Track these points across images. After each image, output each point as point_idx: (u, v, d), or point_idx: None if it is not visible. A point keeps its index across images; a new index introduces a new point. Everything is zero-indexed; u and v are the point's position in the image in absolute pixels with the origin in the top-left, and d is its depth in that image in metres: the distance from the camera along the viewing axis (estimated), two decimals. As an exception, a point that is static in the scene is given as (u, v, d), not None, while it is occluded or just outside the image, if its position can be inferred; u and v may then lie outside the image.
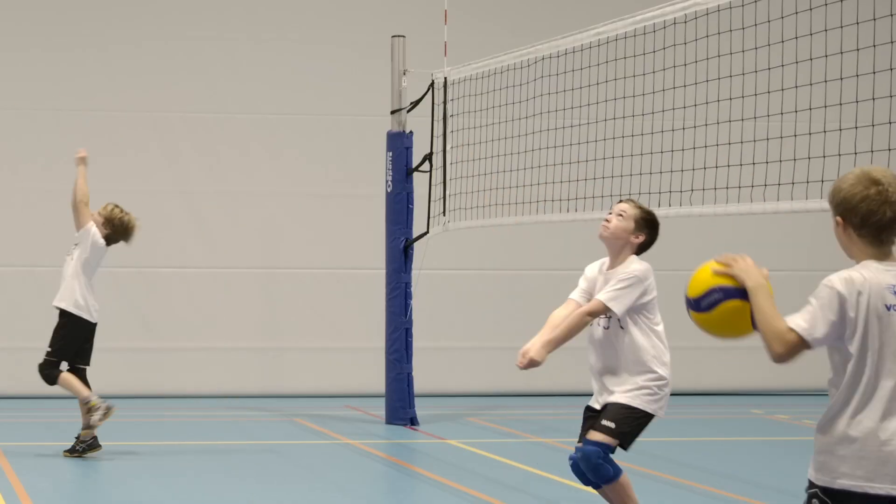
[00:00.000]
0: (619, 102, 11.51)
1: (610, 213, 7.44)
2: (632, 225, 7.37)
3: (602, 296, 7.23)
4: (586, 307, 7.29)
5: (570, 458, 7.30)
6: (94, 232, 10.99)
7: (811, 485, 4.49)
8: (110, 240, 11.11)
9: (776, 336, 4.62)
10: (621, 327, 7.32)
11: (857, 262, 4.61)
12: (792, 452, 11.98)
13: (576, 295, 7.43)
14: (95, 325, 11.03)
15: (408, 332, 13.31)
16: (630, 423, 7.22)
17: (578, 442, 7.32)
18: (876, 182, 4.54)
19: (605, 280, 7.31)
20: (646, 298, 7.37)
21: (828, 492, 4.44)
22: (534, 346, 7.36)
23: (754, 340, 16.30)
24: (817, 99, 9.47)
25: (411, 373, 13.33)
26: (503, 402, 15.38)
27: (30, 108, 15.49)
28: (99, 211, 11.12)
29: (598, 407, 7.35)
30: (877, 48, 8.93)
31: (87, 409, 10.75)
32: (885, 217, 4.56)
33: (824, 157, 9.18)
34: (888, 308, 4.51)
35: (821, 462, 4.46)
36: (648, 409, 7.25)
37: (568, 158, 12.18)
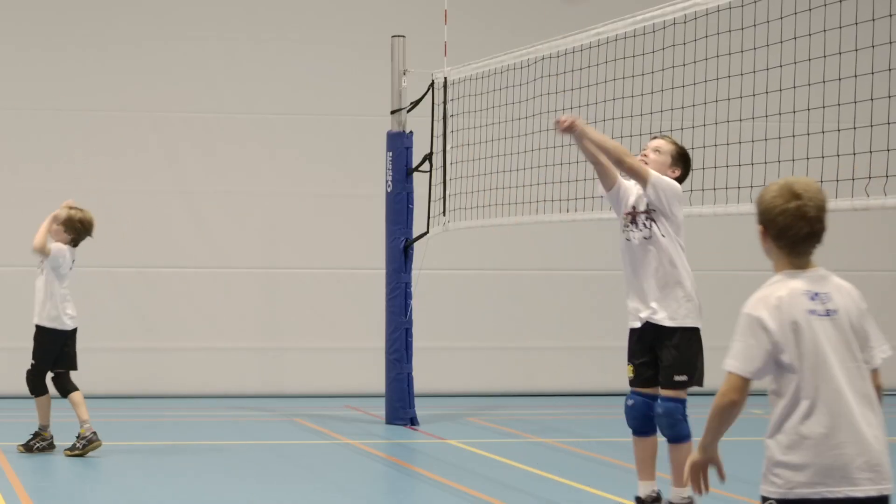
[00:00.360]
0: (619, 102, 11.51)
1: (645, 151, 7.68)
2: (669, 159, 7.67)
3: (650, 173, 7.47)
4: (632, 158, 7.50)
5: (631, 399, 7.54)
6: (57, 248, 11.06)
7: (764, 499, 4.47)
8: (76, 241, 11.19)
9: (728, 387, 4.53)
10: (662, 236, 7.54)
11: (776, 270, 4.66)
12: (792, 452, 11.97)
13: None
14: (74, 330, 11.15)
15: (408, 332, 13.31)
16: (695, 359, 7.62)
17: (631, 370, 7.65)
18: (796, 196, 4.67)
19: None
20: (680, 214, 7.64)
21: (785, 503, 4.44)
22: (580, 121, 7.55)
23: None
24: (817, 99, 9.47)
25: (411, 373, 13.33)
26: (503, 402, 15.38)
27: (30, 108, 15.49)
28: (56, 222, 11.14)
29: (639, 325, 7.63)
30: (876, 48, 8.93)
31: (39, 434, 10.99)
32: (801, 232, 4.71)
33: (823, 157, 9.18)
34: (810, 313, 4.59)
35: (775, 474, 4.45)
36: (698, 323, 7.64)
37: (568, 158, 12.17)
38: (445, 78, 13.31)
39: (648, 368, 7.74)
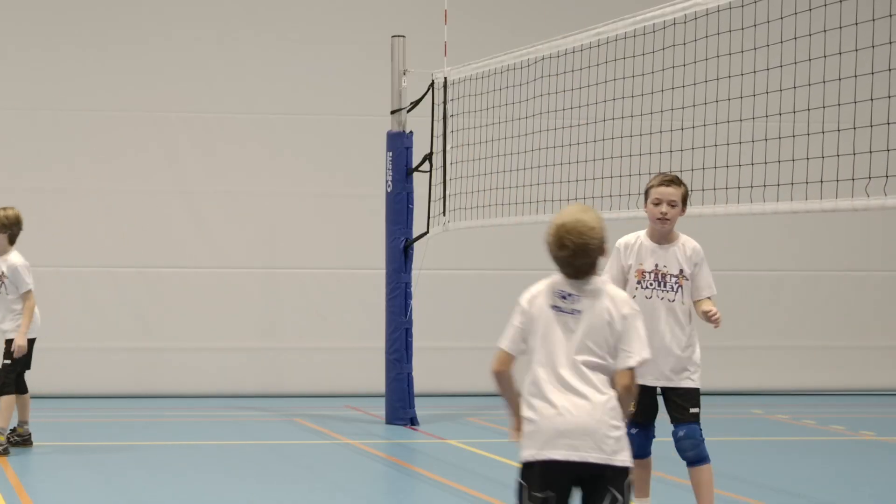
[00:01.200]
0: (619, 102, 11.51)
1: (659, 202, 7.70)
2: (681, 206, 7.80)
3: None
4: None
5: (637, 434, 7.84)
6: (6, 260, 11.04)
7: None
8: (13, 238, 11.19)
9: (494, 359, 5.56)
10: (683, 302, 7.79)
11: None
12: (792, 452, 11.99)
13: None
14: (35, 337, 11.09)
15: (408, 332, 13.31)
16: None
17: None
18: (560, 225, 5.39)
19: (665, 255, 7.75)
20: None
21: (524, 465, 5.47)
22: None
23: (754, 340, 16.16)
24: (817, 99, 9.46)
25: (411, 373, 13.33)
26: (503, 402, 15.36)
27: (30, 109, 15.49)
28: None
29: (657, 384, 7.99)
30: (876, 49, 8.92)
31: None
32: (557, 254, 5.42)
33: (823, 157, 9.18)
34: (552, 308, 5.44)
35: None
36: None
37: (568, 158, 12.17)
38: (445, 78, 13.31)
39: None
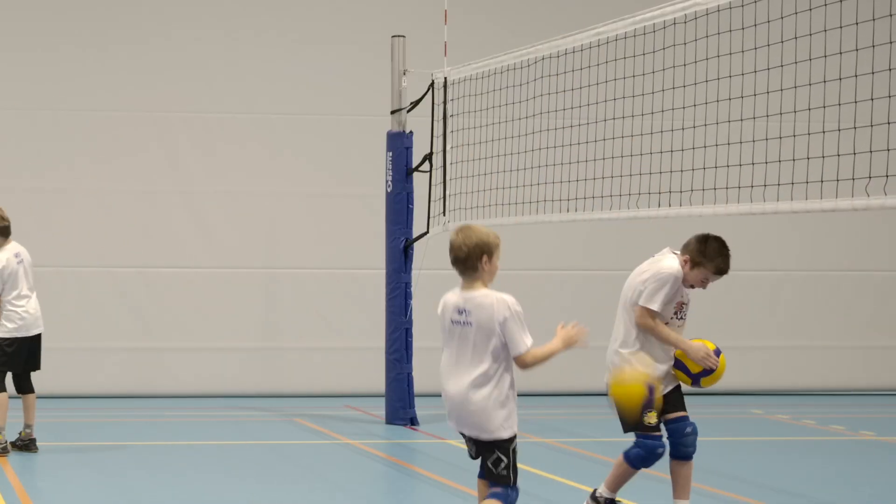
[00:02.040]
0: (619, 102, 11.51)
1: (706, 280, 8.10)
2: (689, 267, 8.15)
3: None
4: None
5: (661, 448, 8.12)
6: None
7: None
8: (4, 231, 11.15)
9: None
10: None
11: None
12: (792, 452, 11.99)
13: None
14: (38, 334, 10.99)
15: (408, 332, 13.31)
16: None
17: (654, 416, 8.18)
18: (455, 231, 6.80)
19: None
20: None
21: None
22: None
23: (755, 341, 16.21)
24: (817, 99, 9.46)
25: (411, 373, 13.33)
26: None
27: (30, 109, 15.49)
28: None
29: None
30: (876, 48, 8.92)
31: None
32: (452, 257, 6.86)
33: (824, 157, 9.18)
34: (453, 323, 6.78)
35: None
36: None
37: (568, 158, 12.17)
38: (445, 78, 13.31)
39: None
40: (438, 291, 17.61)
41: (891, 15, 8.79)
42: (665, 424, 8.20)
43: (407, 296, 13.29)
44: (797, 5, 9.89)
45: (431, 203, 13.44)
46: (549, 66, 12.17)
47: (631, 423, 8.10)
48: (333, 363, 15.98)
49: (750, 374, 16.64)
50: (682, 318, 8.17)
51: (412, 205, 13.37)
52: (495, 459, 6.68)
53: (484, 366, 6.64)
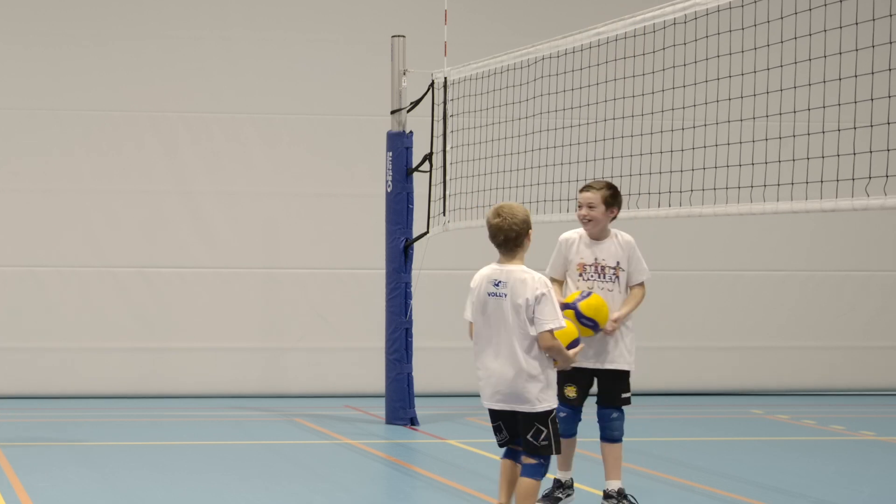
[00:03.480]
0: (619, 102, 11.51)
1: (580, 206, 8.74)
2: (603, 208, 8.65)
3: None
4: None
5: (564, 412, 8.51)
6: None
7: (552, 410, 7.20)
8: None
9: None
10: (620, 291, 8.68)
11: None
12: (792, 452, 11.99)
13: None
14: None
15: (408, 332, 13.31)
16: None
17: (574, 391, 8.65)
18: (496, 212, 7.31)
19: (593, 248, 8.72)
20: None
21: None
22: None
23: (755, 341, 16.21)
24: (817, 99, 9.46)
25: (411, 373, 13.32)
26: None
27: (28, 108, 15.48)
28: None
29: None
30: (876, 48, 8.92)
31: None
32: (500, 238, 7.31)
33: (824, 157, 9.18)
34: (489, 294, 7.32)
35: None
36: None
37: (568, 158, 12.17)
38: (445, 78, 13.31)
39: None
40: (438, 291, 17.67)
41: (891, 15, 8.79)
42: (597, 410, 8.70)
43: (407, 296, 13.29)
44: (797, 5, 9.89)
45: (431, 203, 13.43)
46: (549, 66, 12.17)
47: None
48: (333, 363, 15.97)
49: (750, 374, 16.64)
50: (587, 279, 8.66)
51: (412, 205, 13.36)
52: (535, 431, 7.10)
53: (519, 338, 7.13)
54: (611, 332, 8.52)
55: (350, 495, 9.43)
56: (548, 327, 7.11)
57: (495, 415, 7.47)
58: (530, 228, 7.27)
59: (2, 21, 15.49)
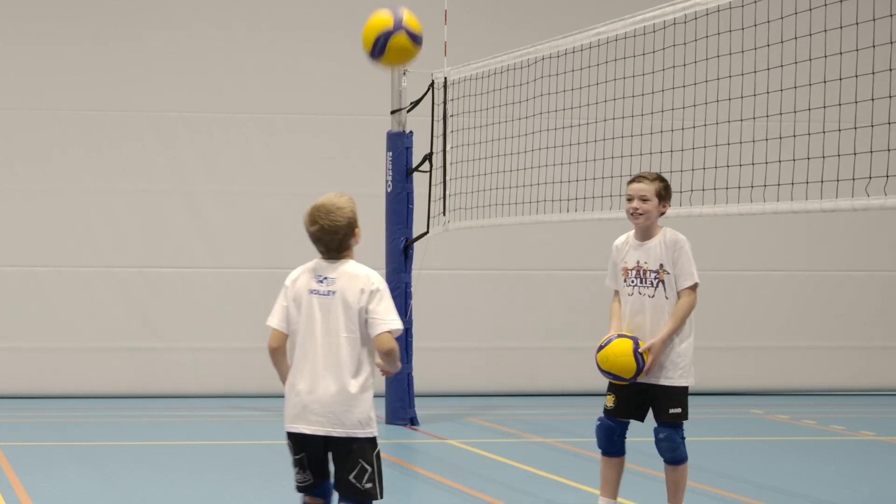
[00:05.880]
0: (619, 102, 11.51)
1: (631, 198, 7.94)
2: (657, 201, 7.92)
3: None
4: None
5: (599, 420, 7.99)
6: None
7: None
8: None
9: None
10: (667, 297, 8.01)
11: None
12: (792, 452, 11.99)
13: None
14: None
15: (408, 332, 13.30)
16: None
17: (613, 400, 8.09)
18: (309, 220, 6.47)
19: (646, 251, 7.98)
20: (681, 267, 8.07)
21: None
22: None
23: (755, 341, 16.21)
24: (817, 99, 9.47)
25: (411, 373, 13.33)
26: (503, 402, 15.38)
27: (28, 108, 15.48)
28: None
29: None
30: (876, 49, 8.93)
31: None
32: (314, 244, 6.40)
33: (824, 157, 9.18)
34: (311, 293, 6.26)
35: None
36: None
37: (568, 158, 12.18)
38: (445, 78, 13.31)
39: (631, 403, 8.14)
40: (438, 291, 17.69)
41: (891, 15, 8.79)
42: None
43: (407, 296, 13.29)
44: (797, 5, 9.89)
45: (431, 203, 13.44)
46: (549, 66, 12.17)
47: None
48: (333, 363, 15.94)
49: (750, 374, 16.64)
50: (630, 284, 8.14)
51: (412, 205, 13.36)
52: (359, 471, 6.51)
53: (347, 345, 6.27)
54: (654, 360, 7.85)
55: (350, 495, 9.41)
56: (386, 328, 6.20)
57: (300, 444, 6.37)
58: (356, 227, 6.57)
59: (2, 21, 15.49)
